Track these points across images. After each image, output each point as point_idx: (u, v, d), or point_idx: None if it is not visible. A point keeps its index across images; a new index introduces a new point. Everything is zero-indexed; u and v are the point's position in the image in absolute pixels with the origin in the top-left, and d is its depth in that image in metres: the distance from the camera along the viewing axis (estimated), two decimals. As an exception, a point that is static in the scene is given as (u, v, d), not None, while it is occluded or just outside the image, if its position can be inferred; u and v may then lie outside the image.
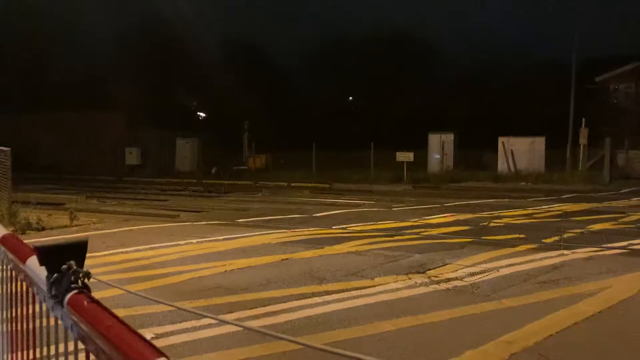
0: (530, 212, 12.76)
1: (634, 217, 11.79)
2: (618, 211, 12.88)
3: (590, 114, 24.47)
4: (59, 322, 1.47)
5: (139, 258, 7.37)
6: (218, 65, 35.42)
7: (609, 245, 8.36)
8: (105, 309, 1.32)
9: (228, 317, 4.88)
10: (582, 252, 7.79)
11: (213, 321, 4.55)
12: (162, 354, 1.06)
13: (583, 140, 23.84)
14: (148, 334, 4.28)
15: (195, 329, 4.45)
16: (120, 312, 4.75)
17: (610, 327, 4.77)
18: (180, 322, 4.56)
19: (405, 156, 24.10)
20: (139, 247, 8.04)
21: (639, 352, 4.28)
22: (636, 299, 5.58)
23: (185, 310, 1.65)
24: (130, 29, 36.23)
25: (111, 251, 7.76)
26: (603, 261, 7.30)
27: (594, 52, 34.89)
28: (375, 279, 6.29)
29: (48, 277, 1.45)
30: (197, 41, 35.80)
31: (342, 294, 5.67)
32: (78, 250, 1.54)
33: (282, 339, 0.93)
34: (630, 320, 4.98)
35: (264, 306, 5.21)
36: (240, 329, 4.37)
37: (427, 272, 6.63)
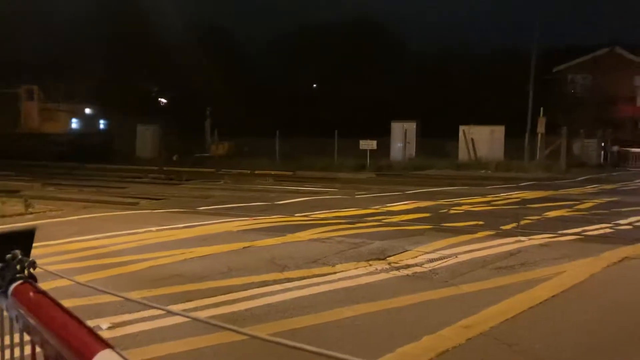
0: (489, 199, 13.03)
1: (588, 204, 12.16)
2: (573, 198, 13.27)
3: (548, 104, 25.07)
4: (5, 313, 1.43)
5: (97, 246, 7.22)
6: (181, 50, 34.77)
7: (564, 231, 8.61)
8: (51, 299, 1.29)
9: (187, 305, 4.84)
10: (538, 239, 8.00)
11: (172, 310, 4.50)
12: (107, 345, 1.04)
13: (541, 129, 24.43)
14: (105, 323, 4.21)
15: (153, 317, 4.39)
16: (76, 302, 4.68)
17: (563, 311, 4.91)
18: (138, 310, 4.49)
19: (368, 144, 24.30)
20: (97, 235, 7.88)
21: (590, 334, 4.43)
22: (588, 283, 5.77)
23: (132, 300, 1.62)
24: (89, 10, 35.11)
25: (68, 239, 7.58)
26: (558, 247, 7.51)
27: (554, 42, 35.63)
28: (336, 265, 6.32)
29: (-8, 267, 1.40)
30: (160, 25, 35.01)
31: (303, 281, 5.68)
32: (24, 238, 1.50)
33: (227, 329, 0.92)
34: (583, 304, 5.14)
35: (224, 294, 5.17)
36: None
37: (387, 258, 6.70)
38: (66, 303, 4.14)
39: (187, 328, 4.19)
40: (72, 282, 1.84)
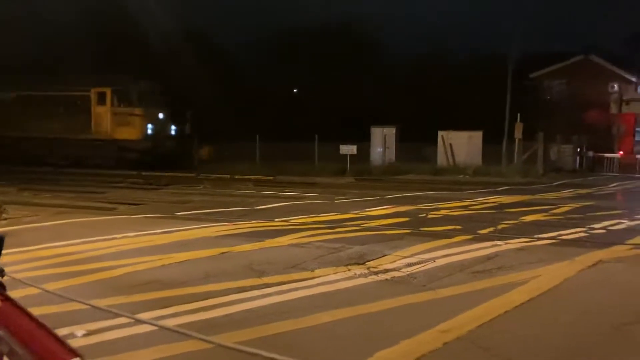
0: (467, 204, 13.14)
1: (564, 209, 12.34)
2: (549, 203, 13.45)
3: (525, 109, 25.41)
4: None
5: (73, 252, 7.13)
6: (162, 54, 34.49)
7: (540, 235, 8.72)
8: (20, 307, 1.27)
9: (165, 311, 4.80)
10: (514, 243, 8.09)
11: (148, 316, 4.46)
12: (76, 354, 1.03)
13: (518, 134, 24.74)
14: (80, 331, 4.15)
15: (130, 324, 4.34)
16: (51, 309, 4.61)
17: (539, 314, 4.98)
18: (114, 317, 4.43)
19: (348, 149, 24.35)
20: (73, 241, 7.78)
21: (566, 337, 4.49)
22: (563, 287, 5.86)
23: (99, 308, 1.60)
24: (72, 15, 34.66)
25: (43, 245, 7.47)
26: (534, 251, 7.61)
27: (531, 49, 36.15)
28: (315, 271, 6.32)
29: (-41, 275, 1.38)
30: (142, 28, 34.69)
31: (282, 286, 5.67)
32: (-7, 246, 1.48)
33: (194, 337, 0.92)
34: (558, 307, 5.22)
35: (202, 300, 5.14)
36: (176, 325, 4.31)
37: (366, 263, 6.73)
38: (40, 310, 4.09)
39: (165, 335, 4.15)
40: (49, 289, 1.83)
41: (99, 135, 26.04)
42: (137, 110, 25.77)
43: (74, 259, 6.75)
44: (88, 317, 4.48)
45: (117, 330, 4.26)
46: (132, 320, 4.39)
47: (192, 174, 21.91)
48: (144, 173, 22.17)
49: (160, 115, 26.71)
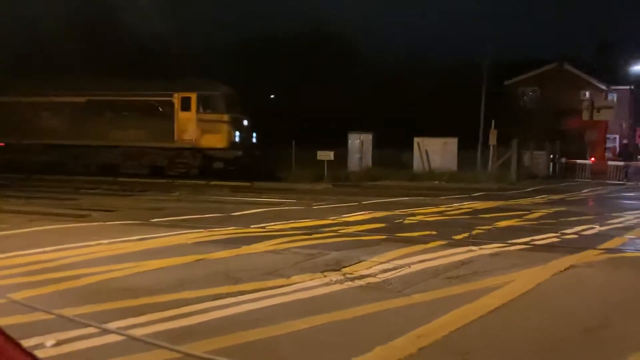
0: (442, 209, 13.27)
1: (537, 214, 12.54)
2: (523, 209, 13.65)
3: (499, 116, 25.80)
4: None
5: (45, 260, 7.00)
6: (138, 57, 34.19)
7: (514, 241, 8.84)
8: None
9: (139, 319, 4.73)
10: (489, 248, 8.18)
11: (121, 325, 4.41)
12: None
13: (492, 140, 25.09)
14: (50, 341, 4.07)
15: (102, 333, 4.28)
16: (21, 318, 4.53)
17: (511, 319, 5.04)
18: (85, 326, 4.36)
19: (325, 155, 24.42)
20: (45, 249, 7.63)
21: (538, 340, 4.55)
22: (536, 291, 5.94)
23: (66, 317, 1.59)
24: (54, 11, 34.13)
25: (14, 253, 7.32)
26: (508, 256, 7.70)
27: (505, 56, 36.72)
28: (292, 277, 6.31)
29: None
30: (113, 32, 34.36)
31: (258, 293, 5.64)
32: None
33: (162, 347, 0.91)
34: (531, 311, 5.29)
35: (177, 308, 5.08)
36: (150, 333, 4.26)
37: (342, 269, 6.73)
38: (9, 320, 4.02)
39: (136, 344, 4.10)
40: (16, 299, 1.79)
41: (183, 144, 24.40)
42: (225, 117, 24.16)
43: (46, 267, 6.62)
44: (58, 326, 4.40)
45: (88, 340, 4.18)
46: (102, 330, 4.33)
47: (168, 180, 21.71)
48: (119, 179, 21.92)
49: (245, 122, 25.32)
